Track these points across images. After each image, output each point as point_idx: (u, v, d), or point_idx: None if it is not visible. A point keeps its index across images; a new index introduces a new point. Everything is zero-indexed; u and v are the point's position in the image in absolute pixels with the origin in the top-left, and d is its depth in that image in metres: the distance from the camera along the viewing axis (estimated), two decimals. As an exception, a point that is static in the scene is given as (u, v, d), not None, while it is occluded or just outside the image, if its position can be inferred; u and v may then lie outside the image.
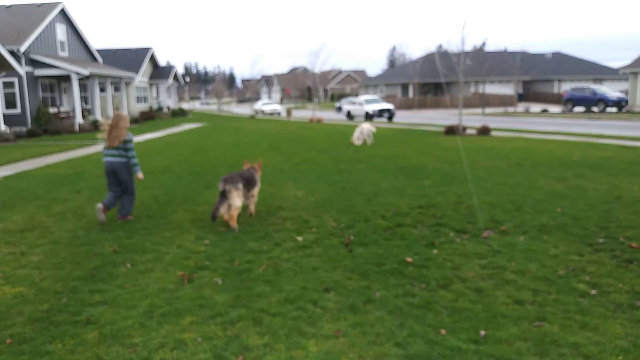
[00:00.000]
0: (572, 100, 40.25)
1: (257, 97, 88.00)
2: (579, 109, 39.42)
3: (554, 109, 44.35)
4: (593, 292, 4.36)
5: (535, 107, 46.59)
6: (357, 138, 16.23)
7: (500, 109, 48.97)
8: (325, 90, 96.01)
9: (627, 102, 37.29)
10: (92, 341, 3.68)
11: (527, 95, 61.64)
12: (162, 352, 3.51)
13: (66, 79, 30.02)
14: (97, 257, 5.61)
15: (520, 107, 47.56)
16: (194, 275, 4.97)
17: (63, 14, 31.62)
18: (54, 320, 4.02)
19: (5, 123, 24.26)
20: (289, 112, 43.84)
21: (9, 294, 4.60)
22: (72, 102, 30.04)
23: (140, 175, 7.20)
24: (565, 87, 52.28)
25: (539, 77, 59.85)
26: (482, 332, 3.69)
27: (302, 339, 3.67)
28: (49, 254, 5.74)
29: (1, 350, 3.56)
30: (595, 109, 37.77)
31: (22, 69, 25.12)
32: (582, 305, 4.12)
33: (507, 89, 53.63)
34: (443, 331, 3.72)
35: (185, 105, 79.34)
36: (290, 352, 3.48)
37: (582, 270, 4.88)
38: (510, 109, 46.77)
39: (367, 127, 16.54)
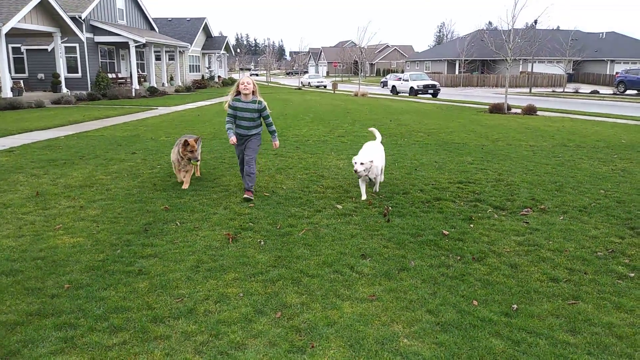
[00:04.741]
0: (624, 83, 38.63)
1: (304, 70, 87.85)
2: (632, 91, 37.78)
3: (605, 90, 42.67)
4: (632, 274, 4.32)
5: (585, 88, 44.91)
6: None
7: (549, 89, 47.48)
8: (372, 65, 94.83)
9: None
10: (143, 290, 3.94)
11: (577, 75, 59.35)
12: (207, 304, 3.73)
13: (124, 46, 30.84)
14: (149, 214, 5.91)
15: (570, 87, 45.93)
16: (238, 235, 5.20)
17: (123, -19, 32.27)
18: (108, 269, 4.30)
19: (67, 86, 25.29)
20: (334, 85, 43.69)
21: (68, 243, 4.92)
22: (129, 69, 30.91)
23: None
24: (618, 69, 50.06)
25: (591, 57, 57.40)
26: (514, 306, 3.74)
27: (337, 300, 3.83)
28: (105, 209, 6.09)
29: (60, 294, 3.85)
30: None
31: (83, 35, 26.02)
32: (619, 287, 4.09)
33: (557, 69, 51.74)
34: (475, 302, 3.80)
35: (236, 76, 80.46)
36: (326, 311, 3.64)
37: (621, 252, 4.83)
38: (559, 89, 45.25)
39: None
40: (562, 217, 5.92)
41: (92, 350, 3.13)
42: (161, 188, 7.12)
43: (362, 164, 6.41)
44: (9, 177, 7.65)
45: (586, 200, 6.64)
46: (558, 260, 4.65)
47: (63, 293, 3.87)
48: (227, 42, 52.97)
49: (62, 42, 25.26)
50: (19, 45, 27.86)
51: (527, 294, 3.96)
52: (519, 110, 20.60)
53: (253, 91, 6.52)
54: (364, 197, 6.65)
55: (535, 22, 29.44)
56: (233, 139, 6.61)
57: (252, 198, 6.48)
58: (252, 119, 6.58)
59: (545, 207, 6.33)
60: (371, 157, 6.57)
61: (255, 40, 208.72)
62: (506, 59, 20.94)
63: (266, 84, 60.80)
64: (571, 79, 56.23)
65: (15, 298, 3.77)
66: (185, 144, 6.94)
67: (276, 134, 6.92)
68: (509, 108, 20.78)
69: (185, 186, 7.08)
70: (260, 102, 6.53)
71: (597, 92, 39.16)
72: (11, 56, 27.37)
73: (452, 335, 3.35)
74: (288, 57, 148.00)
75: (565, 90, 43.63)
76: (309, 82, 56.07)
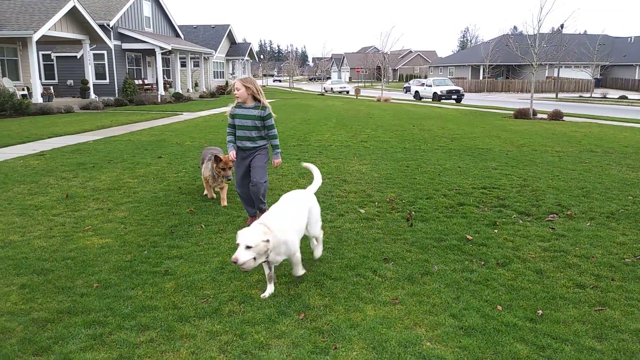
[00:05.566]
0: (655, 88, 37.80)
1: (327, 76, 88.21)
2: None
3: (634, 96, 41.78)
4: (660, 281, 4.24)
5: (613, 94, 44.05)
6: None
7: (576, 94, 46.74)
8: (394, 70, 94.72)
9: None
10: (169, 290, 4.02)
11: (605, 80, 58.28)
12: (231, 305, 3.78)
13: (150, 52, 31.42)
14: (175, 216, 6.03)
15: (597, 92, 45.10)
16: (261, 237, 5.24)
17: (149, -10, 32.94)
18: (135, 270, 4.40)
19: (95, 92, 25.90)
20: (357, 91, 43.79)
21: (97, 244, 5.05)
22: (155, 75, 31.44)
23: None
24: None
25: (619, 62, 56.29)
26: (540, 312, 3.70)
27: (360, 303, 3.84)
28: (132, 211, 6.22)
29: (89, 293, 3.95)
30: (681, 97, 35.30)
31: (111, 42, 26.64)
32: (647, 293, 4.02)
33: (584, 74, 50.86)
34: (499, 307, 3.77)
35: (259, 82, 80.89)
36: (349, 314, 3.66)
37: (650, 259, 4.75)
38: (586, 95, 44.49)
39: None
40: (589, 224, 5.83)
41: (120, 347, 3.20)
42: (186, 191, 7.24)
43: (248, 247, 3.56)
44: (40, 180, 7.87)
45: (614, 207, 6.53)
46: (585, 266, 4.58)
47: (92, 292, 3.97)
48: (251, 49, 53.49)
49: (90, 49, 25.86)
50: (49, 52, 28.66)
51: (552, 300, 3.91)
52: (544, 116, 20.34)
53: (254, 96, 5.28)
54: (266, 294, 3.93)
55: (562, 26, 28.99)
56: (232, 153, 5.44)
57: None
58: (256, 128, 5.33)
59: (571, 213, 6.24)
60: (273, 226, 3.77)
61: (278, 46, 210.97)
62: (532, 64, 20.70)
63: (289, 89, 61.16)
64: (599, 84, 55.22)
65: (47, 296, 3.88)
66: (217, 160, 6.22)
67: (279, 150, 5.47)
68: (535, 113, 20.52)
69: (223, 203, 6.51)
70: (264, 108, 5.27)
71: (626, 98, 38.41)
72: (41, 63, 28.14)
73: (475, 339, 3.33)
74: (311, 63, 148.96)
75: (593, 95, 42.88)
76: (332, 88, 56.36)
